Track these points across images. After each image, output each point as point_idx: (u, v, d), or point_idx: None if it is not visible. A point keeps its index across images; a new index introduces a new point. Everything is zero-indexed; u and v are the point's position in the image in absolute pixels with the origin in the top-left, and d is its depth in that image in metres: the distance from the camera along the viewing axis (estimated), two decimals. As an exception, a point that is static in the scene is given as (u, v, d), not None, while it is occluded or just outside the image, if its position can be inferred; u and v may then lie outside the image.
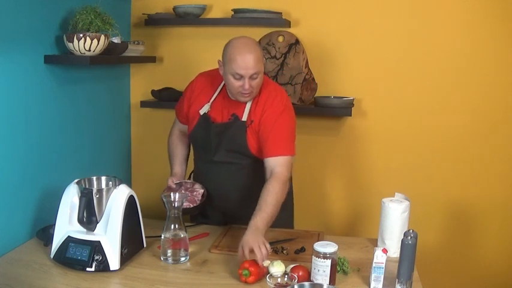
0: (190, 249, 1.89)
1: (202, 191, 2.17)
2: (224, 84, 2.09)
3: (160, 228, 1.88)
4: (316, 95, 2.75)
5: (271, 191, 1.89)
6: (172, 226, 1.85)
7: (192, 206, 2.11)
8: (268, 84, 2.11)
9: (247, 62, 1.90)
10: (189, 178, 2.35)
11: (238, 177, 2.13)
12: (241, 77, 1.93)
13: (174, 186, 2.19)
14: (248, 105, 2.05)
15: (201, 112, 2.12)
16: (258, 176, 2.03)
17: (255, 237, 1.74)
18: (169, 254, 1.85)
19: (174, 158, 2.30)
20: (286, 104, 2.09)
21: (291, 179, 2.26)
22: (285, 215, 2.27)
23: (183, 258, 1.85)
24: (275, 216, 1.88)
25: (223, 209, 2.24)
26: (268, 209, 1.85)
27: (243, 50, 1.93)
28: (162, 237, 1.85)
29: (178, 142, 2.33)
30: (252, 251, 1.70)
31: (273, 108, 2.04)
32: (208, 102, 2.11)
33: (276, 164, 1.97)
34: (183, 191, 2.09)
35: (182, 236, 1.85)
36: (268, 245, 1.73)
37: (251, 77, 1.93)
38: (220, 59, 2.03)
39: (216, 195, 2.18)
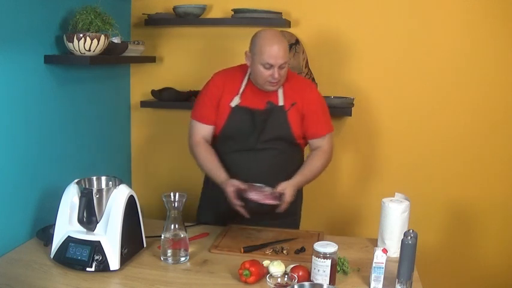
0: (190, 249, 1.89)
1: (269, 188, 2.04)
2: (249, 76, 2.17)
3: (160, 228, 1.88)
4: (316, 95, 2.75)
5: (318, 159, 2.17)
6: (172, 226, 1.85)
7: (275, 203, 2.01)
8: (292, 73, 2.25)
9: (277, 52, 2.01)
10: (204, 183, 2.33)
11: (277, 162, 2.17)
12: (271, 66, 2.02)
13: (243, 187, 2.03)
14: (280, 91, 2.15)
15: (232, 105, 2.15)
16: (292, 160, 2.20)
17: (290, 187, 2.02)
18: (169, 254, 1.85)
19: (215, 167, 2.15)
20: (315, 86, 2.26)
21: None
22: (295, 218, 2.33)
23: (183, 258, 1.85)
24: (311, 181, 2.18)
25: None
26: (311, 173, 2.14)
27: (273, 40, 2.03)
28: (162, 237, 1.85)
29: (207, 150, 2.19)
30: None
31: (311, 89, 2.22)
32: (238, 94, 2.16)
33: (324, 141, 2.20)
34: (259, 190, 2.01)
35: (182, 236, 1.85)
36: (287, 199, 1.99)
37: (280, 67, 2.03)
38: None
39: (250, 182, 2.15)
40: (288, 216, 2.21)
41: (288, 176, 2.11)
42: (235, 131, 2.17)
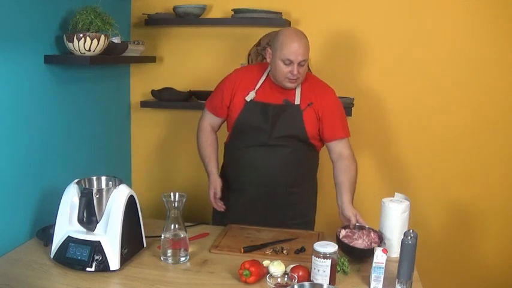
0: (190, 249, 1.89)
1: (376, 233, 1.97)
2: (268, 73, 2.21)
3: (160, 228, 1.88)
4: (316, 95, 2.75)
5: (352, 170, 2.16)
6: (172, 226, 1.84)
7: (367, 248, 1.89)
8: (311, 75, 2.31)
9: (297, 48, 2.05)
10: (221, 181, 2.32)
11: (287, 159, 2.18)
12: (290, 62, 2.06)
13: (219, 193, 2.27)
14: (298, 90, 2.17)
15: (248, 99, 2.18)
16: (304, 159, 2.23)
17: (352, 209, 2.04)
18: (169, 254, 1.85)
19: (209, 157, 2.32)
20: (333, 90, 2.28)
21: (316, 174, 2.43)
22: (307, 220, 2.37)
23: (183, 258, 1.85)
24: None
25: (266, 194, 2.23)
26: (352, 187, 2.14)
27: (294, 38, 2.07)
28: (162, 237, 1.85)
29: (209, 138, 2.34)
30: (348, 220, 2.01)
31: (330, 93, 2.23)
32: (254, 89, 2.19)
33: (344, 146, 2.20)
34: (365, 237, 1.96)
35: (182, 236, 1.85)
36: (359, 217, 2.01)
37: (299, 64, 2.06)
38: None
39: (263, 178, 2.20)
40: (301, 217, 2.28)
41: (301, 176, 2.20)
42: (247, 125, 2.20)
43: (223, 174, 2.34)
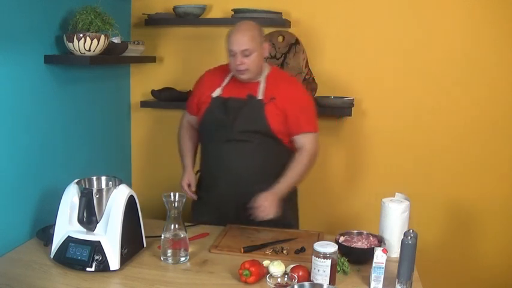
0: (190, 249, 1.89)
1: (376, 237, 1.94)
2: None
3: (160, 228, 1.88)
4: (316, 95, 2.75)
5: (300, 162, 2.16)
6: (172, 226, 1.85)
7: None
8: (280, 70, 2.33)
9: (238, 38, 2.09)
10: (197, 181, 2.37)
11: (253, 155, 2.17)
12: (234, 53, 2.09)
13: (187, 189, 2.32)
14: (262, 84, 2.17)
15: (214, 95, 2.21)
16: (272, 155, 2.20)
17: (270, 197, 2.04)
18: (169, 254, 1.85)
19: (185, 151, 2.40)
20: (301, 84, 2.29)
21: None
22: (289, 214, 2.30)
23: (183, 258, 1.85)
24: (297, 185, 2.17)
25: (234, 191, 2.21)
26: (293, 177, 2.14)
27: (237, 28, 2.12)
28: (162, 237, 1.85)
29: (186, 134, 2.41)
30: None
31: (296, 87, 2.24)
32: (220, 87, 2.22)
33: (307, 140, 2.19)
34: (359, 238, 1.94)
35: (182, 236, 1.85)
36: (274, 211, 2.02)
37: (243, 54, 2.08)
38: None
39: (230, 175, 2.19)
40: (284, 211, 2.22)
41: (270, 172, 2.15)
42: (211, 120, 2.22)
43: (200, 171, 2.39)
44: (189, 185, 2.32)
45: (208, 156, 2.29)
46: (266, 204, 2.05)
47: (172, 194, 1.87)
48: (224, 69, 2.27)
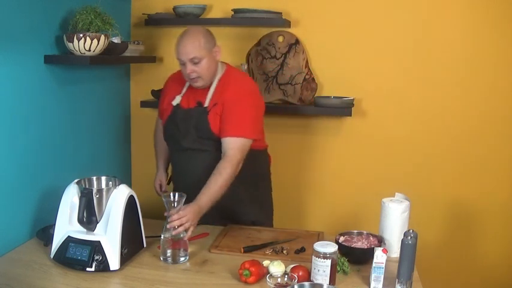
0: (190, 249, 1.89)
1: (376, 237, 1.94)
2: None
3: (160, 228, 1.88)
4: (316, 95, 2.75)
5: (221, 173, 1.99)
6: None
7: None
8: (233, 72, 2.22)
9: (183, 47, 2.05)
10: (168, 183, 2.45)
11: (207, 163, 2.10)
12: (184, 62, 2.06)
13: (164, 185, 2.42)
14: (211, 91, 2.14)
15: (174, 103, 2.21)
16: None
17: (191, 212, 1.86)
18: (168, 254, 1.85)
19: (158, 152, 2.48)
20: (251, 89, 2.19)
21: (269, 175, 2.38)
22: (262, 212, 2.32)
23: (182, 258, 1.85)
24: (220, 196, 1.98)
25: (195, 197, 2.04)
26: (215, 190, 1.97)
27: (182, 37, 2.07)
28: (162, 238, 1.85)
29: (159, 137, 2.41)
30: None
31: (236, 90, 2.12)
32: (180, 94, 2.21)
33: (229, 146, 2.05)
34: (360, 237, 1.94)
35: (182, 236, 1.85)
36: (191, 228, 1.85)
37: (192, 62, 2.04)
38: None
39: (186, 183, 2.17)
40: (257, 209, 2.27)
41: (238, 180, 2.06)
42: (169, 129, 2.23)
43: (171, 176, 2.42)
44: (160, 185, 2.43)
45: (172, 162, 2.34)
46: (186, 217, 1.84)
47: (172, 194, 1.87)
48: (183, 75, 2.20)
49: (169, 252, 1.85)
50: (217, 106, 2.11)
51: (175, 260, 1.84)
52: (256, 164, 2.22)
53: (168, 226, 1.83)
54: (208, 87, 2.14)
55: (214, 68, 2.12)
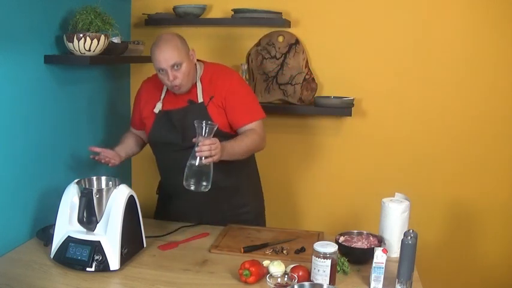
0: (190, 250, 1.89)
1: (376, 237, 1.95)
2: None
3: (160, 228, 1.89)
4: (316, 95, 2.75)
5: (250, 137, 2.09)
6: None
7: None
8: (214, 66, 2.24)
9: (162, 54, 2.01)
10: (157, 192, 2.44)
11: None
12: (164, 70, 2.02)
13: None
14: (199, 88, 2.14)
15: (156, 111, 2.18)
16: None
17: (216, 141, 1.89)
18: (192, 182, 1.89)
19: (120, 141, 2.34)
20: (238, 75, 2.27)
21: (255, 162, 2.40)
22: (256, 200, 2.35)
23: (203, 187, 1.90)
24: (241, 155, 2.07)
25: (195, 198, 2.12)
26: (239, 144, 2.05)
27: (158, 45, 2.04)
28: (188, 164, 1.88)
29: (129, 133, 2.39)
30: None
31: (229, 80, 2.16)
32: (160, 100, 2.18)
33: (253, 127, 2.13)
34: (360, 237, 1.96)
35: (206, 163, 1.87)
36: (215, 158, 1.88)
37: (173, 68, 2.02)
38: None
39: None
40: (239, 207, 2.27)
41: (228, 172, 2.12)
42: (160, 135, 2.18)
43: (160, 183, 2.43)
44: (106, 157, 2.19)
45: (167, 166, 2.28)
46: (211, 146, 1.88)
47: (204, 122, 1.89)
48: (159, 81, 2.16)
49: (192, 180, 1.89)
50: (216, 98, 2.11)
51: (197, 188, 1.88)
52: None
53: (197, 154, 1.86)
54: (193, 86, 2.13)
55: (194, 71, 2.12)
